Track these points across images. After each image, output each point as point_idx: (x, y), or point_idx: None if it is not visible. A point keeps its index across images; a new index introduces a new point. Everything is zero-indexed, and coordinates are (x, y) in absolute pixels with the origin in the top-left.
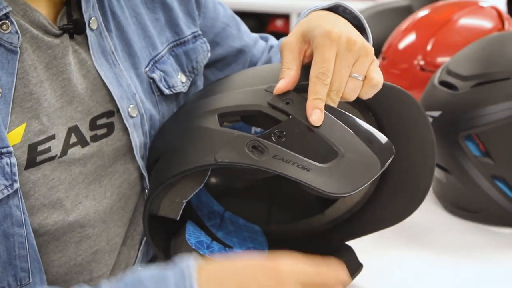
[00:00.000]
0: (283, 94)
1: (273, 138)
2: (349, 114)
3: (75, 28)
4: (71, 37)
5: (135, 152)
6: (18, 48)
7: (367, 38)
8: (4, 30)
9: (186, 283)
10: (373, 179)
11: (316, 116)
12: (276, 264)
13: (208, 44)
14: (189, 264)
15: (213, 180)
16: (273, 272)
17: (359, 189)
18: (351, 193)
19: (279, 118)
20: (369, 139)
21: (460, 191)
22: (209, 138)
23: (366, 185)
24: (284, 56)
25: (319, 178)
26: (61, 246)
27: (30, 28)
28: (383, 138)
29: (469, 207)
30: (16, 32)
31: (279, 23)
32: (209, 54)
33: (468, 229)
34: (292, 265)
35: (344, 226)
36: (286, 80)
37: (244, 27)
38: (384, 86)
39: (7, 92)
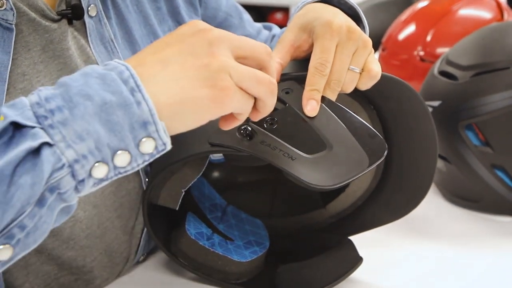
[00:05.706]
0: (283, 83)
1: (264, 125)
2: (346, 109)
3: (73, 14)
4: (70, 22)
5: None
6: (14, 26)
7: (363, 28)
8: None
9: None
10: (358, 176)
11: (310, 106)
12: (206, 28)
13: None
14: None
15: (216, 174)
16: (203, 34)
17: (341, 184)
18: (333, 187)
19: (277, 107)
20: (362, 136)
21: (460, 180)
22: (205, 125)
23: (349, 181)
24: (274, 49)
25: (302, 168)
26: (54, 231)
27: (28, 11)
28: (377, 136)
29: (469, 196)
30: (11, 9)
31: (278, 15)
32: None
33: (468, 218)
34: (222, 32)
35: (346, 221)
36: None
37: (247, 16)
38: (383, 77)
39: (3, 70)
